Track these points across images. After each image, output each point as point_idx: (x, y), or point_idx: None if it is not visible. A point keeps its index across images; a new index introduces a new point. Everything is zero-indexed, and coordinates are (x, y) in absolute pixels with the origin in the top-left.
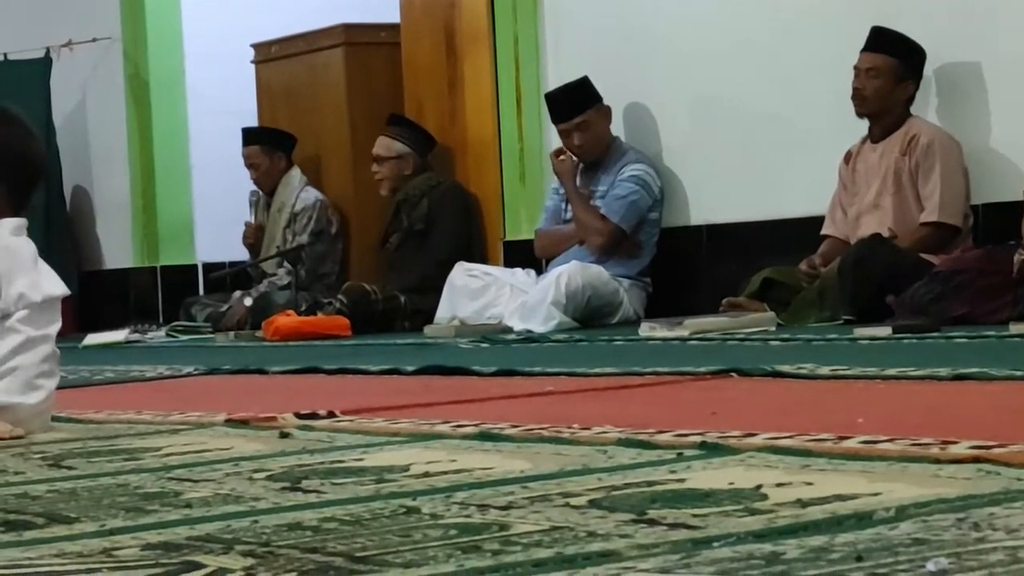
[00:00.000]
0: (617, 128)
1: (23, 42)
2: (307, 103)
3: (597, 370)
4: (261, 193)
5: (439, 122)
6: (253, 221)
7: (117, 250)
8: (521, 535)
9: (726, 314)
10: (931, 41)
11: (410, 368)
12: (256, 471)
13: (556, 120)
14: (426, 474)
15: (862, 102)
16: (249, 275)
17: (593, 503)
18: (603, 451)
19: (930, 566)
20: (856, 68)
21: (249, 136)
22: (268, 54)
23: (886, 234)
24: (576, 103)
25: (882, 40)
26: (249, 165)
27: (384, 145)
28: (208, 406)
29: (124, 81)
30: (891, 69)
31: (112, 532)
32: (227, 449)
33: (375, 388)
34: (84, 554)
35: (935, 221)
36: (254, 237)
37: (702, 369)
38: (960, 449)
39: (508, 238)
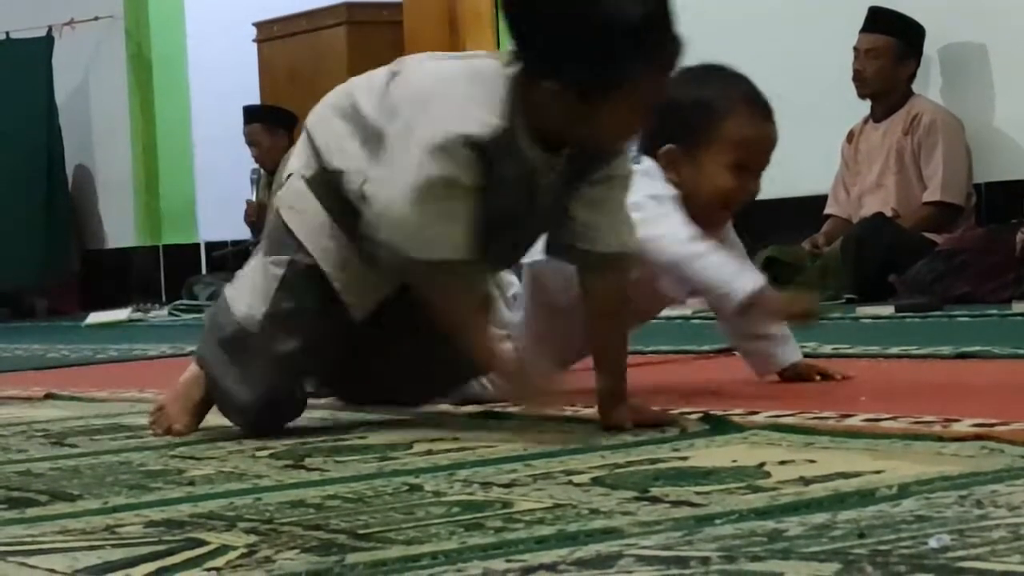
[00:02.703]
0: None
1: (25, 20)
2: (309, 82)
3: None
4: (263, 171)
5: None
6: (255, 199)
7: (119, 229)
8: (524, 512)
9: None
10: (933, 20)
11: None
12: (259, 449)
13: None
14: (429, 452)
15: (863, 84)
16: (251, 254)
17: (596, 481)
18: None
19: (932, 543)
20: (856, 49)
21: (251, 114)
22: (270, 33)
23: (889, 213)
24: None
25: (880, 20)
26: (251, 143)
27: None
28: None
29: (126, 60)
30: (890, 49)
31: (115, 509)
32: (230, 427)
33: None
34: (87, 531)
35: (938, 200)
36: (256, 215)
37: (705, 347)
38: (963, 427)
39: None
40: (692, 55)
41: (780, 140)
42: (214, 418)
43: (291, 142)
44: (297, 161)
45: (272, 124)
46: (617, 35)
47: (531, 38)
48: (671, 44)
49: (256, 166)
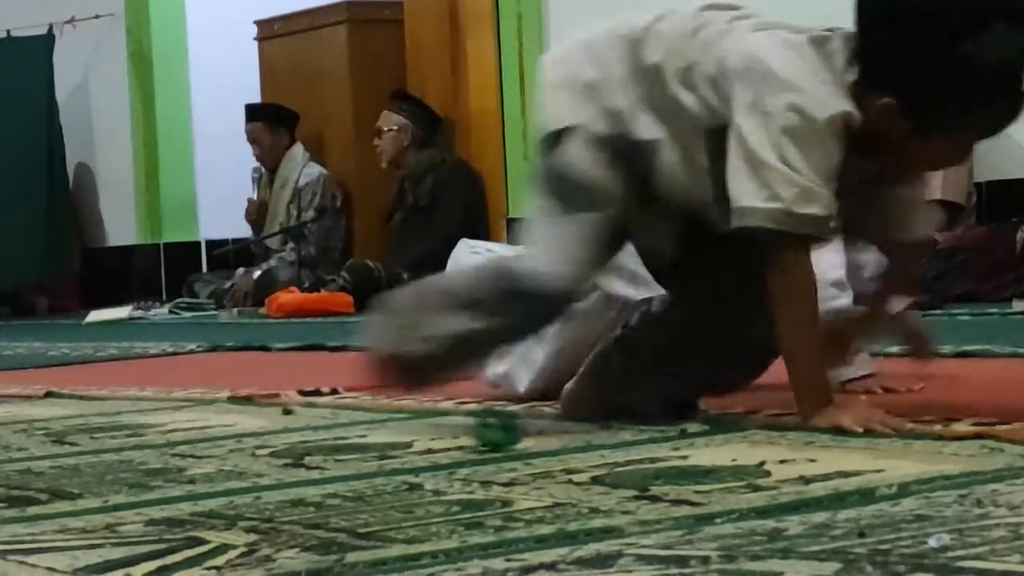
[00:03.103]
0: None
1: (26, 19)
2: (310, 80)
3: None
4: (264, 169)
5: (442, 99)
6: (256, 197)
7: (120, 227)
8: (524, 511)
9: None
10: None
11: None
12: (259, 447)
13: None
14: (429, 451)
15: None
16: (252, 252)
17: (596, 479)
18: (606, 427)
19: (932, 542)
20: None
21: (252, 112)
22: (271, 31)
23: None
24: None
25: None
26: (252, 141)
27: (384, 118)
28: (211, 383)
29: (127, 58)
30: None
31: (115, 508)
32: (230, 425)
33: None
34: (87, 530)
35: (938, 199)
36: (257, 213)
37: None
38: (963, 426)
39: (512, 215)
40: None
41: None
42: (216, 417)
43: (292, 140)
44: (578, 115)
45: (273, 122)
46: (990, 91)
47: (891, 57)
48: (1019, 109)
49: (257, 164)
